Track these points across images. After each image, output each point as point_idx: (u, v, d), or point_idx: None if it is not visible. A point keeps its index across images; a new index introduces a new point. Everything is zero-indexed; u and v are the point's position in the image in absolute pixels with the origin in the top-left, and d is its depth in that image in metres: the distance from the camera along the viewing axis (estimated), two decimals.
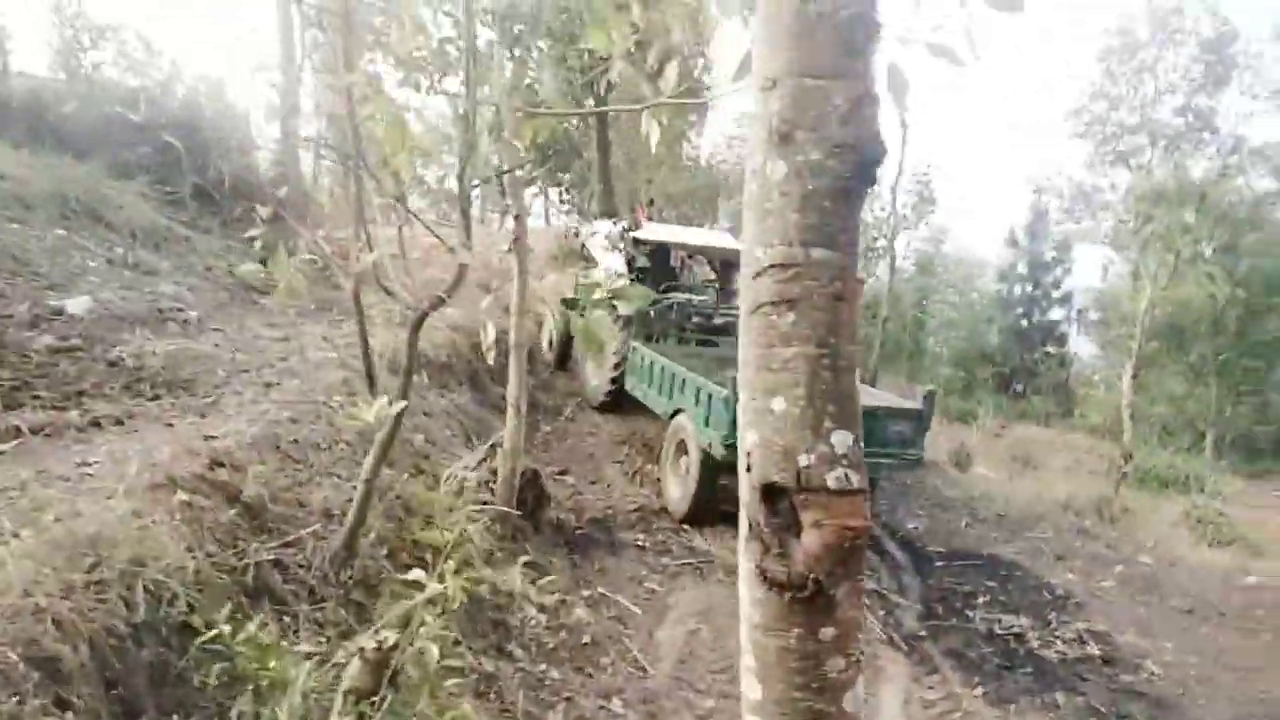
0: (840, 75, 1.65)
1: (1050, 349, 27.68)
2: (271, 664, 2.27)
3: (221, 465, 4.32)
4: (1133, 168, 25.77)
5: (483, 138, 3.91)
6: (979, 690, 5.99)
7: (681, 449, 8.53)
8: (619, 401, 11.07)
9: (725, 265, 12.77)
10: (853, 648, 1.73)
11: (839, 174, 1.66)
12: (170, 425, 5.13)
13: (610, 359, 10.82)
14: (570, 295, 13.42)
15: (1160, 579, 8.19)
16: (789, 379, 1.68)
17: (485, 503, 6.78)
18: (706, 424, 7.83)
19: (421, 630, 2.41)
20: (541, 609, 6.21)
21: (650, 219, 14.71)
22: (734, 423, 7.28)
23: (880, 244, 16.46)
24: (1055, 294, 28.24)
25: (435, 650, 2.37)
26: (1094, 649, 6.53)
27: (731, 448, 7.35)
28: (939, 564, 8.35)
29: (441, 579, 2.56)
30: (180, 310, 7.97)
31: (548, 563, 6.76)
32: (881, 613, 7.10)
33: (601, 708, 5.15)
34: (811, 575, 1.64)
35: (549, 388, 12.32)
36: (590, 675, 5.48)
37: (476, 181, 4.66)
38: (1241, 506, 12.67)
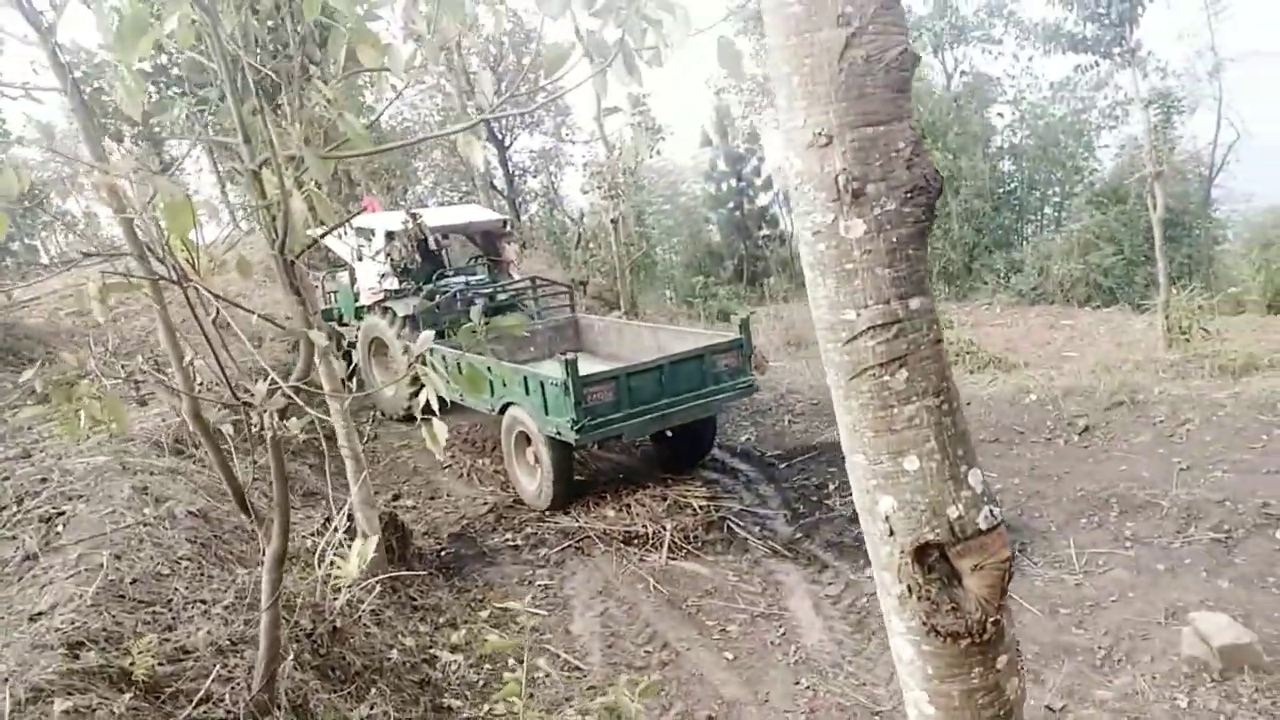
0: (898, 118, 1.58)
1: (767, 231, 29.65)
2: None
3: (82, 645, 3.61)
4: None
5: (295, 199, 3.40)
6: (868, 570, 6.50)
7: (523, 441, 8.27)
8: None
9: (487, 236, 12.33)
10: (1020, 662, 1.78)
11: (917, 219, 1.61)
12: None
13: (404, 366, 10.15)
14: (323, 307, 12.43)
15: None
16: (917, 436, 1.64)
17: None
18: (547, 413, 7.58)
19: None
20: (454, 649, 5.90)
21: (380, 208, 13.89)
22: (579, 405, 7.18)
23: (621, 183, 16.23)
24: (758, 181, 30.14)
25: None
26: None
27: (583, 430, 7.18)
28: (782, 466, 8.88)
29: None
30: None
31: (436, 601, 6.39)
32: (756, 529, 7.46)
33: None
34: (989, 619, 1.66)
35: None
36: (532, 695, 5.32)
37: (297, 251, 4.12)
38: (964, 329, 14.39)
